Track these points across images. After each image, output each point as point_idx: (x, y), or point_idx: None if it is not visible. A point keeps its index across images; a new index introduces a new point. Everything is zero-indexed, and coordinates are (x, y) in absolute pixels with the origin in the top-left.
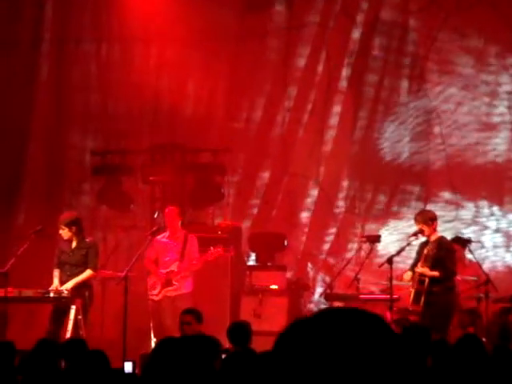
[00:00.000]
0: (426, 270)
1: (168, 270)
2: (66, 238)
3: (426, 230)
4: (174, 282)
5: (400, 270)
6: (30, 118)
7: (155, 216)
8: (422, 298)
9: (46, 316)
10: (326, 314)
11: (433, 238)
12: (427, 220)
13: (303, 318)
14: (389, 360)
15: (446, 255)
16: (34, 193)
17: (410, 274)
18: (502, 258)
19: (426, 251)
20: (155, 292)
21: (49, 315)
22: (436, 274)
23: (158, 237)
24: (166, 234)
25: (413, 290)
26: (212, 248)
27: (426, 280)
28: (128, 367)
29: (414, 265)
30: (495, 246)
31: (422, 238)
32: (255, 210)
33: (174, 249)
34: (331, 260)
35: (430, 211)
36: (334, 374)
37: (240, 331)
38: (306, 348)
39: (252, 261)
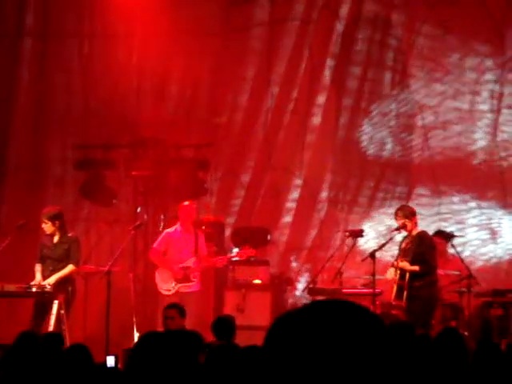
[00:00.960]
0: (406, 265)
1: (184, 264)
2: (48, 232)
3: (409, 224)
4: (192, 279)
5: (382, 263)
6: (12, 112)
7: (138, 210)
8: (405, 293)
9: (28, 311)
10: (314, 307)
11: (414, 232)
12: (408, 215)
13: (292, 310)
14: (379, 351)
15: (425, 250)
16: (17, 187)
17: (392, 270)
18: (484, 252)
19: (403, 245)
20: (168, 287)
21: (31, 310)
22: (416, 268)
23: (169, 230)
24: (178, 228)
25: (395, 285)
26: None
27: (407, 275)
28: (110, 361)
29: (397, 260)
30: (477, 241)
31: (404, 233)
32: (238, 205)
33: (188, 244)
34: (314, 254)
35: (409, 206)
36: (325, 368)
37: (224, 325)
38: (295, 342)
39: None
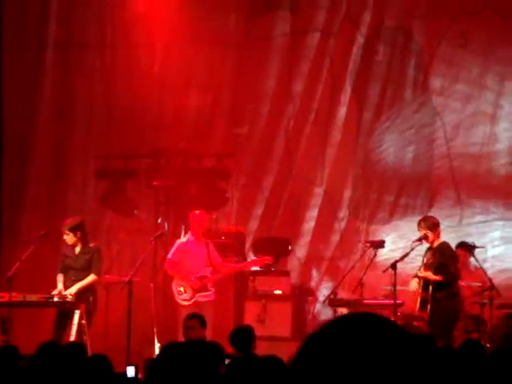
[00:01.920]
0: (429, 274)
1: (200, 274)
2: (70, 243)
3: (430, 235)
4: (209, 288)
5: (404, 275)
6: (34, 122)
7: (159, 221)
8: (429, 305)
9: (50, 321)
10: (346, 321)
11: (436, 243)
12: (431, 226)
13: (324, 326)
14: (411, 366)
15: (448, 260)
16: (39, 197)
17: (415, 281)
18: (506, 263)
19: (428, 256)
20: (186, 297)
21: (53, 320)
22: (438, 278)
23: (182, 240)
24: (190, 237)
25: (419, 297)
26: (237, 259)
27: (430, 287)
28: (130, 372)
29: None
30: (500, 252)
31: (427, 244)
32: (259, 215)
33: (201, 254)
34: (335, 265)
35: (433, 217)
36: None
37: (243, 336)
38: (329, 357)
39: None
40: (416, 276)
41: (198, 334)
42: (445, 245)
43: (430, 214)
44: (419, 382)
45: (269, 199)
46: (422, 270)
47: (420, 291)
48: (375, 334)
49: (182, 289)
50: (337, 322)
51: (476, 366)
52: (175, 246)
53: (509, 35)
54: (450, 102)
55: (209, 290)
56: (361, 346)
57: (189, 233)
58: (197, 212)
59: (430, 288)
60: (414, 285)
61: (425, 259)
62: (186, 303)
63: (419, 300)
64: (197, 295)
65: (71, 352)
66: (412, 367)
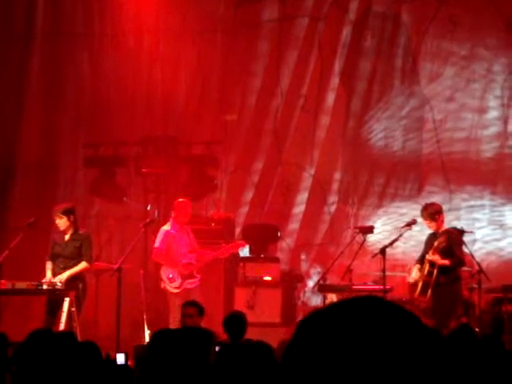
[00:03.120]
0: (438, 258)
1: (186, 261)
2: (63, 228)
3: (434, 224)
4: (195, 274)
5: (393, 260)
6: (22, 111)
7: (148, 208)
8: (430, 290)
9: (40, 308)
10: (344, 304)
11: (441, 230)
12: (433, 214)
13: (320, 309)
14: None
15: (454, 246)
16: (27, 185)
17: (416, 269)
18: (494, 248)
19: (436, 243)
20: (176, 284)
21: (43, 308)
22: (446, 262)
23: (166, 228)
24: (174, 225)
25: (421, 281)
26: (224, 244)
27: (435, 271)
28: (120, 359)
29: (421, 258)
30: (488, 236)
31: (429, 230)
32: (248, 202)
33: (185, 241)
34: (325, 250)
35: (434, 204)
36: (357, 368)
37: (236, 322)
38: (327, 339)
39: (245, 252)
40: (417, 262)
41: (195, 322)
42: (450, 230)
43: (419, 199)
44: (428, 370)
45: (258, 185)
46: (430, 253)
47: (424, 275)
48: (378, 317)
49: (171, 276)
50: (335, 305)
51: (468, 350)
52: (160, 234)
53: (496, 18)
54: (438, 88)
55: (195, 277)
56: (361, 331)
57: (171, 220)
58: (181, 200)
59: (435, 272)
60: (415, 272)
61: (436, 243)
62: (177, 290)
63: (421, 284)
64: (185, 282)
65: (61, 340)
66: (420, 355)
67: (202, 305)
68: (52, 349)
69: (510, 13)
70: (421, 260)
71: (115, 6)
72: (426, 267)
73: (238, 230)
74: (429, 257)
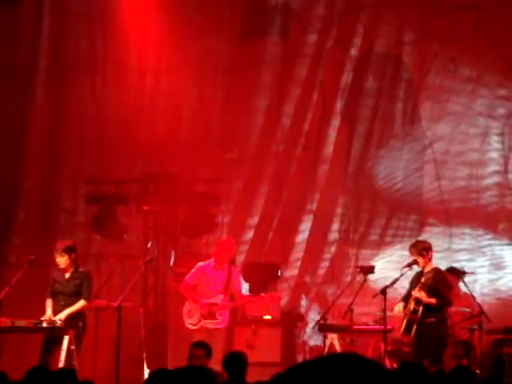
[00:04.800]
0: (423, 296)
1: (211, 300)
2: (64, 265)
3: (421, 260)
4: (217, 316)
5: (394, 300)
6: (25, 146)
7: (149, 245)
8: (414, 328)
9: (39, 346)
10: (319, 362)
11: (427, 268)
12: (421, 251)
13: (299, 364)
14: None
15: (440, 286)
16: (28, 222)
17: (401, 305)
18: (495, 289)
19: (423, 280)
20: (193, 321)
21: (40, 345)
22: (432, 301)
23: (202, 264)
24: (211, 262)
25: (405, 320)
26: (264, 294)
27: (420, 309)
28: None
29: (407, 296)
30: (489, 277)
31: (417, 268)
32: (249, 240)
33: (219, 280)
34: (325, 290)
35: (424, 242)
36: None
37: (236, 361)
38: None
39: (245, 290)
40: (402, 300)
41: (203, 363)
42: (438, 270)
43: (420, 238)
44: None
45: (259, 224)
46: (416, 290)
47: (408, 313)
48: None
49: (190, 311)
50: (312, 363)
51: None
52: (194, 268)
53: (497, 61)
54: (440, 129)
55: (216, 318)
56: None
57: (212, 258)
58: (224, 238)
59: (420, 310)
60: (399, 308)
61: (423, 279)
62: (192, 327)
63: (405, 322)
64: (203, 321)
65: (61, 378)
66: None
67: (209, 346)
68: None
69: (509, 54)
70: (405, 298)
71: (118, 42)
72: (412, 304)
73: (238, 269)
74: (415, 293)
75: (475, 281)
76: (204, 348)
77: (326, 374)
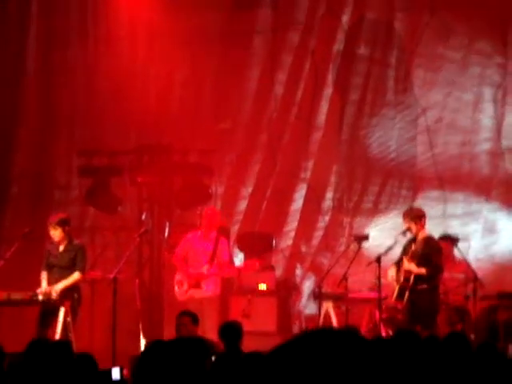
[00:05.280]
0: (413, 267)
1: (196, 271)
2: (57, 238)
3: (414, 227)
4: (202, 285)
5: (388, 267)
6: (17, 120)
7: (143, 217)
8: (406, 295)
9: (35, 319)
10: (306, 339)
11: (420, 235)
12: (415, 217)
13: (284, 344)
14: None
15: (432, 253)
16: (21, 195)
17: (393, 269)
18: (489, 254)
19: (413, 247)
20: (181, 291)
21: (36, 318)
22: (423, 271)
23: (190, 235)
24: (198, 233)
25: (397, 286)
26: (247, 260)
27: (412, 277)
28: (115, 374)
29: (399, 260)
30: (483, 243)
31: (410, 235)
32: (243, 210)
33: (206, 250)
34: (320, 259)
35: (417, 209)
36: None
37: (231, 331)
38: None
39: (239, 260)
40: (394, 265)
41: (190, 330)
42: (429, 237)
43: (414, 204)
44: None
45: (252, 194)
46: (405, 261)
47: (401, 280)
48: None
49: (179, 280)
50: (296, 340)
51: (460, 358)
52: (183, 240)
53: (489, 26)
54: (432, 95)
55: (201, 288)
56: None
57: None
58: (210, 208)
59: (411, 279)
60: (392, 273)
61: (413, 247)
62: (181, 297)
63: (397, 289)
64: (190, 291)
65: (58, 350)
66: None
67: (196, 314)
68: (49, 361)
69: (502, 19)
70: (397, 264)
71: (109, 14)
72: (402, 272)
73: (232, 239)
74: (405, 266)
75: (469, 247)
76: (189, 316)
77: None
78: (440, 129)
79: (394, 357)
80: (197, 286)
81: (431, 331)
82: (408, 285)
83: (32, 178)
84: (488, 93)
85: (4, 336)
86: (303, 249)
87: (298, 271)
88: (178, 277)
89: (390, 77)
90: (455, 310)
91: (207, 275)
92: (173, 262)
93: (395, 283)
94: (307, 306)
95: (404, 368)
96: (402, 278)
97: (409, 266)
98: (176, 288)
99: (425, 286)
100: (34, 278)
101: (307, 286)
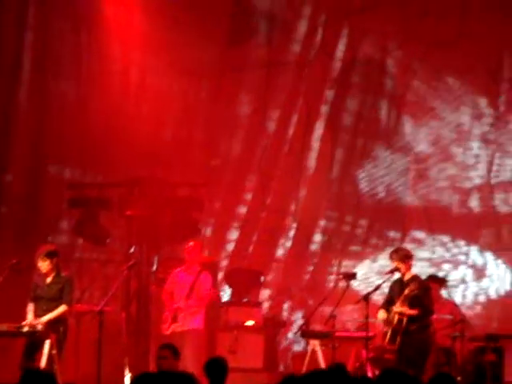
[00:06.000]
0: (405, 309)
1: (176, 305)
2: (45, 270)
3: (402, 267)
4: (178, 319)
5: (376, 307)
6: (8, 148)
7: (131, 250)
8: (398, 338)
9: (20, 351)
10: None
11: (407, 276)
12: (403, 258)
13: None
14: None
15: (423, 294)
16: (10, 226)
17: (382, 312)
18: (476, 297)
19: (407, 291)
20: (165, 326)
21: (21, 350)
22: (415, 312)
23: (177, 270)
24: (183, 267)
25: (389, 330)
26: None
27: (404, 319)
28: None
29: (387, 303)
30: (471, 285)
31: (396, 276)
32: (232, 246)
33: (186, 284)
34: (307, 297)
35: (405, 249)
36: None
37: (217, 367)
38: None
39: (227, 296)
40: (382, 308)
41: (171, 364)
42: (419, 278)
43: (402, 245)
44: None
45: (242, 230)
46: (398, 304)
47: (393, 323)
48: None
49: (165, 317)
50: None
51: None
52: (171, 275)
53: (481, 66)
54: (423, 137)
55: (177, 322)
56: None
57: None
58: (190, 244)
59: (404, 321)
60: (381, 317)
61: (406, 291)
62: (166, 332)
63: (390, 333)
64: (172, 325)
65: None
66: None
67: (176, 347)
68: None
69: (491, 64)
70: (385, 304)
71: (103, 44)
72: (396, 316)
73: (221, 275)
74: (396, 309)
75: (456, 289)
76: (169, 349)
77: None
78: (430, 171)
79: None
80: (175, 320)
81: (420, 373)
82: (401, 327)
83: (21, 208)
84: (480, 136)
85: None
86: (291, 286)
87: (286, 308)
88: (166, 313)
89: (382, 118)
90: (442, 352)
91: (184, 308)
92: (162, 298)
93: (387, 327)
94: (294, 343)
95: None
96: (394, 321)
97: (401, 308)
98: (162, 325)
99: (416, 326)
100: (20, 310)
101: (295, 323)
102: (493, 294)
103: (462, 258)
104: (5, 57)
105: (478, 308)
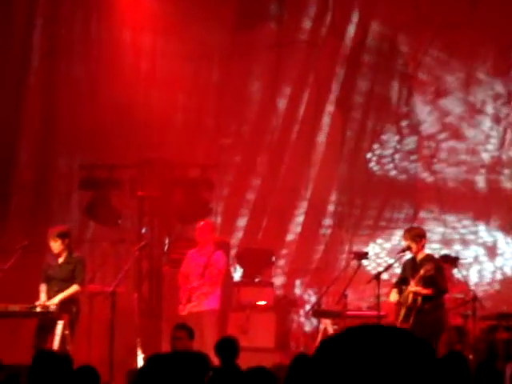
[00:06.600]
0: (420, 289)
1: (190, 286)
2: (57, 251)
3: (414, 246)
4: (192, 299)
5: (388, 285)
6: (19, 131)
7: (143, 231)
8: (412, 317)
9: (32, 331)
10: (355, 332)
11: (420, 255)
12: (415, 237)
13: (335, 336)
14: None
15: (437, 273)
16: (21, 207)
17: (394, 292)
18: (489, 275)
19: (422, 271)
20: (181, 307)
21: (34, 330)
22: (429, 291)
23: (190, 251)
24: (196, 248)
25: (404, 309)
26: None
27: (419, 299)
28: None
29: (399, 282)
30: (482, 264)
31: (408, 255)
32: (243, 226)
33: (198, 264)
34: (319, 276)
35: (418, 228)
36: None
37: (228, 347)
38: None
39: (238, 276)
40: (395, 286)
41: (185, 344)
42: (430, 257)
43: (413, 225)
44: None
45: (253, 210)
46: (413, 284)
47: (408, 303)
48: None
49: (180, 298)
50: (345, 335)
51: (458, 378)
52: (185, 257)
53: (492, 47)
54: (434, 113)
55: (191, 302)
56: (370, 358)
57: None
58: (201, 223)
59: (419, 300)
60: (394, 297)
61: (422, 271)
62: (182, 313)
63: (403, 311)
64: (187, 305)
65: (59, 362)
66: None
67: (191, 328)
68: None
69: (502, 40)
70: (398, 284)
71: (113, 28)
72: (410, 295)
73: (232, 255)
74: (411, 288)
75: (468, 267)
76: (185, 329)
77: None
78: (442, 149)
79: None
80: (189, 300)
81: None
82: (416, 306)
83: (33, 189)
84: (490, 114)
85: (1, 348)
86: (303, 266)
87: (297, 287)
88: (181, 293)
89: (393, 96)
90: (454, 331)
91: (197, 288)
92: (178, 281)
93: (400, 306)
94: (306, 323)
95: None
96: (409, 300)
97: (416, 288)
98: (179, 306)
99: (429, 305)
100: (32, 290)
101: (306, 302)
102: (504, 272)
103: (474, 236)
104: (15, 42)
105: (490, 286)
